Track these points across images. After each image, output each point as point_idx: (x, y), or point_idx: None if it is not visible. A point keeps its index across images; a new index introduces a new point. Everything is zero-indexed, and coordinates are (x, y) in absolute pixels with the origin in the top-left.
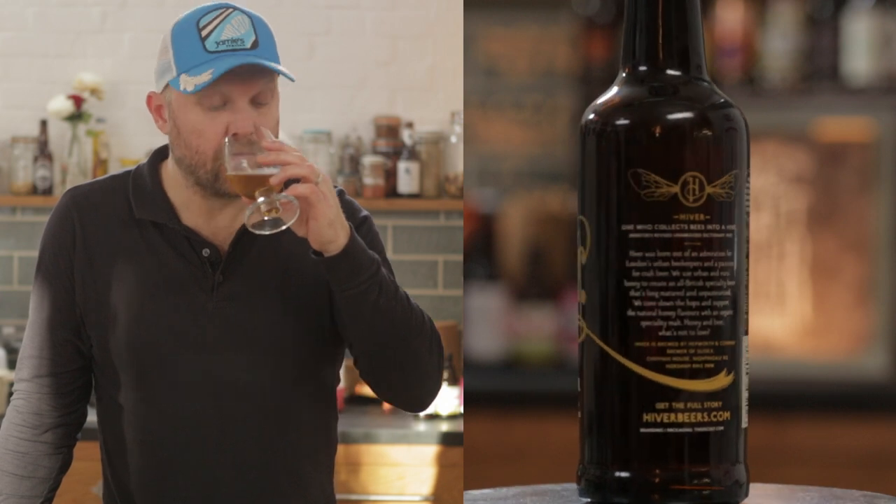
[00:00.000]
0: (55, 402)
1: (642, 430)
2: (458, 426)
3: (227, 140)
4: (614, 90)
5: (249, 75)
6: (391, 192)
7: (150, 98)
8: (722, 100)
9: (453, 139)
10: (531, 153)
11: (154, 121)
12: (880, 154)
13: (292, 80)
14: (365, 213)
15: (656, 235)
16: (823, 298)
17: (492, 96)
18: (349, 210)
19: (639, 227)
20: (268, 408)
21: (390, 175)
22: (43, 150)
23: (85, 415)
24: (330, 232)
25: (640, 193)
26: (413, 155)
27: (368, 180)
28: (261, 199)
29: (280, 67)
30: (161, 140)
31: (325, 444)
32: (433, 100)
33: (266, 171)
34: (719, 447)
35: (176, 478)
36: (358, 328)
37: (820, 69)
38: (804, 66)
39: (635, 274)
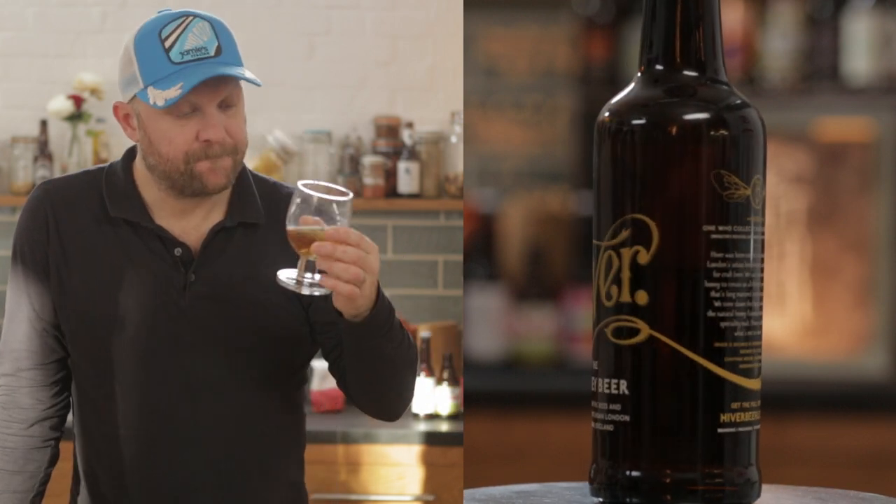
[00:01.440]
0: (39, 395)
1: (720, 430)
2: (458, 426)
3: (298, 185)
4: (664, 88)
5: (216, 83)
6: (391, 192)
7: (116, 108)
8: (740, 100)
9: (453, 139)
10: (531, 153)
11: (123, 129)
12: (880, 154)
13: (259, 84)
14: None
15: (734, 237)
16: (823, 298)
17: (492, 96)
18: None
19: (720, 228)
20: (237, 405)
21: (390, 175)
22: (43, 150)
23: (68, 407)
24: (354, 314)
25: (723, 195)
26: (413, 155)
27: (368, 180)
28: (304, 267)
29: (247, 74)
30: None
31: (295, 440)
32: (433, 100)
33: (316, 236)
34: (758, 443)
35: (149, 470)
36: (358, 368)
37: (820, 69)
38: (804, 66)
39: (716, 275)
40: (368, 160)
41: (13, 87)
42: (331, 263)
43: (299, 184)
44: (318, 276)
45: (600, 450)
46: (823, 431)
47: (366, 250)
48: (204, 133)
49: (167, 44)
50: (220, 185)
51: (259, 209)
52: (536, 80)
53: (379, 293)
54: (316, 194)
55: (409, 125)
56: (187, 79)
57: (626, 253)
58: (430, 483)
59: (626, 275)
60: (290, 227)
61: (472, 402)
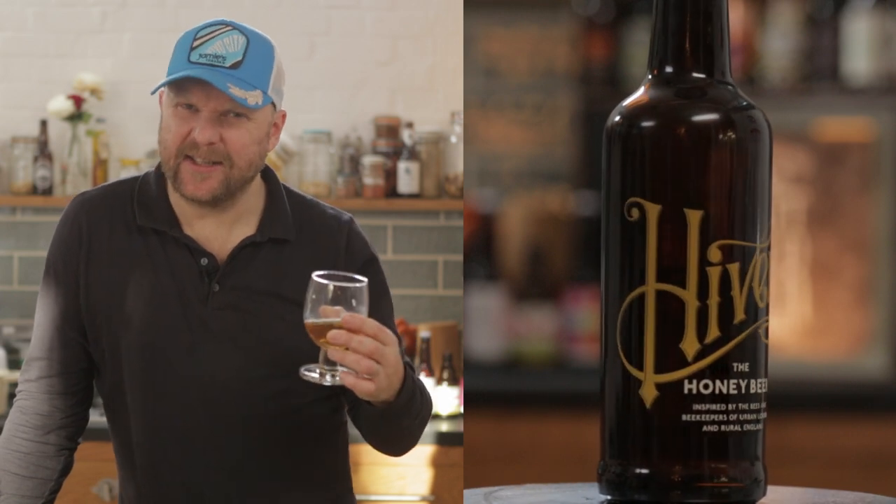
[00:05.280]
0: (60, 403)
1: None
2: (458, 426)
3: (313, 277)
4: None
5: (214, 90)
6: (391, 192)
7: (160, 95)
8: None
9: (453, 139)
10: (531, 153)
11: None
12: (880, 154)
13: (246, 105)
14: (372, 253)
15: None
16: (823, 298)
17: (492, 96)
18: (358, 247)
19: None
20: (251, 417)
21: (390, 175)
22: (43, 150)
23: (87, 419)
24: (373, 398)
25: None
26: (413, 155)
27: (368, 180)
28: (323, 359)
29: (234, 92)
30: None
31: (324, 455)
32: (433, 100)
33: (333, 332)
34: None
35: (158, 481)
36: (373, 431)
37: (820, 69)
38: (804, 66)
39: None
40: (368, 160)
41: (13, 87)
42: (343, 354)
43: (314, 275)
44: (340, 369)
45: (754, 450)
46: (823, 431)
47: (383, 342)
48: (194, 132)
49: (195, 44)
50: (199, 196)
51: (290, 226)
52: (536, 80)
53: (405, 379)
54: (331, 283)
55: (409, 125)
56: (179, 74)
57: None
58: (430, 483)
59: (771, 277)
60: (307, 321)
61: (472, 402)
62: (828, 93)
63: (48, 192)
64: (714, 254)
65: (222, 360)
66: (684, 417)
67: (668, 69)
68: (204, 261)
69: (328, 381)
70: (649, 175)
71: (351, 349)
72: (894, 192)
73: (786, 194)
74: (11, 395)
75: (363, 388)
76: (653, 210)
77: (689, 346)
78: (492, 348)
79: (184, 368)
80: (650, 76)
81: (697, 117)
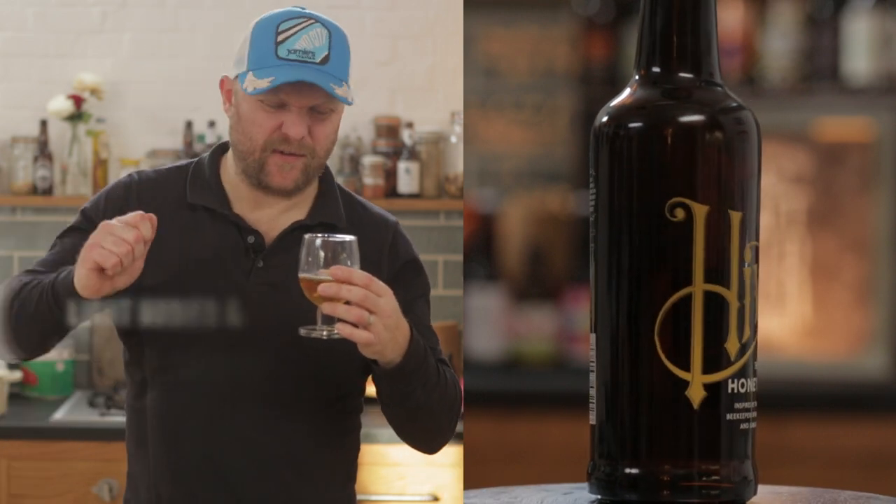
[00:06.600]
0: None
1: None
2: (459, 426)
3: (304, 236)
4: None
5: (307, 88)
6: (391, 192)
7: (223, 81)
8: None
9: (453, 139)
10: (531, 153)
11: (222, 102)
12: (880, 154)
13: (349, 103)
14: (414, 255)
15: None
16: (823, 298)
17: (492, 96)
18: (402, 246)
19: None
20: (277, 393)
21: (390, 175)
22: (43, 150)
23: None
24: (379, 356)
25: None
26: (413, 155)
27: (368, 180)
28: (320, 315)
29: (338, 92)
30: (166, 139)
31: (335, 452)
32: (433, 100)
33: (322, 284)
34: None
35: (179, 448)
36: (391, 408)
37: (820, 69)
38: (804, 66)
39: None
40: (368, 160)
41: (13, 87)
42: (334, 306)
43: (305, 235)
44: (337, 323)
45: (752, 448)
46: (823, 431)
47: (376, 292)
48: (285, 128)
49: (280, 38)
50: (285, 187)
51: (340, 213)
52: (536, 80)
53: (411, 339)
54: (320, 238)
55: (409, 125)
56: (280, 76)
57: None
58: (430, 483)
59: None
60: (301, 275)
61: (472, 402)
62: (828, 93)
63: (48, 192)
64: (748, 254)
65: (255, 339)
66: (728, 416)
67: (656, 69)
68: (251, 238)
69: (325, 335)
70: (696, 176)
71: (340, 299)
72: (894, 192)
73: (786, 194)
74: (11, 395)
75: (360, 337)
76: (700, 211)
77: (732, 345)
78: (492, 348)
79: (219, 340)
80: (637, 76)
81: (728, 117)
